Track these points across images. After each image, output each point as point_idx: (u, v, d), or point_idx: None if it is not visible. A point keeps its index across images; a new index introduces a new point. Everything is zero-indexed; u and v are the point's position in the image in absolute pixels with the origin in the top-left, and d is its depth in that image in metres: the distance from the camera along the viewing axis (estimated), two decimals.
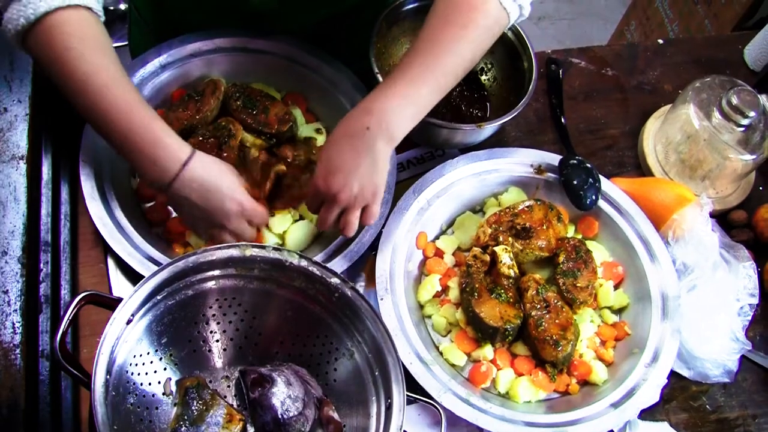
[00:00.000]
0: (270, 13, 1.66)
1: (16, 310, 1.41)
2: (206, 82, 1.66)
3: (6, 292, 1.42)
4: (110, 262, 1.53)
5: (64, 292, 1.46)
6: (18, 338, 1.39)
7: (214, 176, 1.43)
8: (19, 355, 1.37)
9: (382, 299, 1.51)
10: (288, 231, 1.60)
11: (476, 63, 1.49)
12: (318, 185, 1.41)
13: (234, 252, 1.33)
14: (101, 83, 1.36)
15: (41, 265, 1.46)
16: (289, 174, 1.58)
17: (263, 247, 1.35)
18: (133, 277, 1.49)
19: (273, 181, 1.56)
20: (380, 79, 1.62)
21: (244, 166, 1.57)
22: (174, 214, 1.59)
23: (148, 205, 1.61)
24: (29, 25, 1.34)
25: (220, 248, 1.32)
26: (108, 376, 1.18)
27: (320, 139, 1.71)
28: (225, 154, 1.57)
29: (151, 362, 1.33)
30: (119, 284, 1.52)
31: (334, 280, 1.35)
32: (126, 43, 2.07)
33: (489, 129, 1.67)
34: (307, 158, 1.61)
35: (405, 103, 1.39)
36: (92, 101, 1.36)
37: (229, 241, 1.46)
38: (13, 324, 1.40)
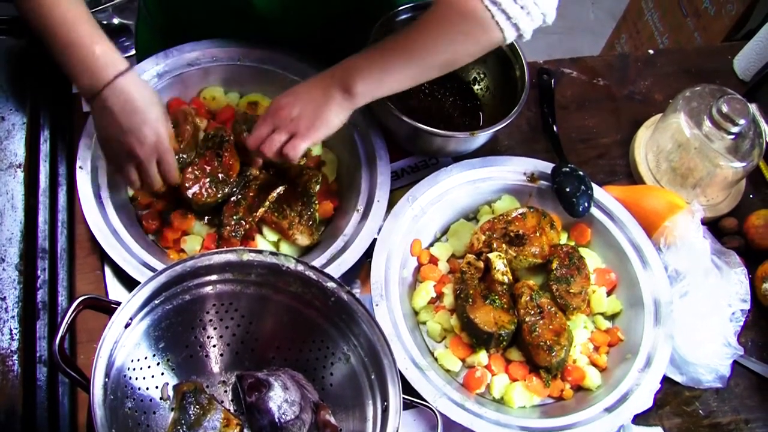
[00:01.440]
0: (273, 19, 1.68)
1: (13, 317, 1.42)
2: (178, 111, 1.65)
3: (3, 299, 1.43)
4: (107, 269, 1.54)
5: (62, 298, 1.47)
6: (15, 344, 1.39)
7: (144, 97, 1.44)
8: (16, 362, 1.38)
9: (377, 305, 1.52)
10: (281, 239, 1.62)
11: (456, 66, 1.52)
12: (273, 102, 1.52)
13: (231, 256, 1.33)
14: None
15: (39, 272, 1.47)
16: (284, 196, 1.60)
17: (260, 252, 1.35)
18: (130, 284, 1.49)
19: (267, 207, 1.58)
20: None
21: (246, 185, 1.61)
22: (169, 222, 1.60)
23: (144, 212, 1.62)
24: None
25: (217, 253, 1.33)
26: (106, 379, 1.18)
27: (315, 149, 1.73)
28: (227, 154, 1.60)
29: (149, 366, 1.34)
30: (116, 291, 1.52)
31: (330, 284, 1.36)
32: (124, 56, 2.08)
33: (482, 137, 1.69)
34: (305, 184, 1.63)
35: (372, 64, 1.48)
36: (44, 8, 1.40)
37: (133, 179, 1.49)
38: (11, 330, 1.40)
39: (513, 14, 1.41)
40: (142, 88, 1.45)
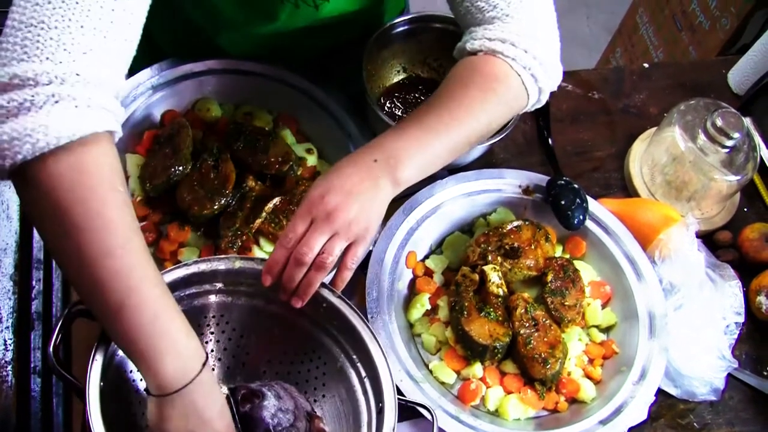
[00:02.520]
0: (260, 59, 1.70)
1: (8, 327, 1.42)
2: (174, 123, 1.65)
3: None
4: None
5: (56, 309, 1.47)
6: (10, 355, 1.39)
7: (212, 406, 1.16)
8: (10, 372, 1.38)
9: (372, 318, 1.52)
10: None
11: (489, 136, 1.45)
12: (312, 199, 1.25)
13: (222, 265, 1.33)
14: (127, 265, 1.08)
15: (33, 282, 1.47)
16: (281, 207, 1.60)
17: (251, 260, 1.35)
18: None
19: (264, 218, 1.58)
20: (371, 101, 1.65)
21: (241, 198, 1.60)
22: (165, 234, 1.60)
23: (140, 224, 1.61)
24: (36, 157, 1.04)
25: (208, 260, 1.32)
26: (102, 383, 1.18)
27: (310, 160, 1.73)
28: (223, 165, 1.60)
29: (141, 379, 1.33)
30: None
31: (321, 290, 1.36)
32: None
33: (478, 149, 1.69)
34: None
35: (416, 147, 1.30)
36: (109, 287, 1.08)
37: None
38: (5, 341, 1.40)
39: (540, 78, 1.40)
40: (215, 392, 1.17)
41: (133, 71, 1.67)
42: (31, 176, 1.04)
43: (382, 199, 1.28)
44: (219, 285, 1.36)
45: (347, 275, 1.30)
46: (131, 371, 1.29)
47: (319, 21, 1.61)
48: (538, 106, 1.50)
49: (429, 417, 1.35)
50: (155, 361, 1.09)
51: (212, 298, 1.37)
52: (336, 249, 1.25)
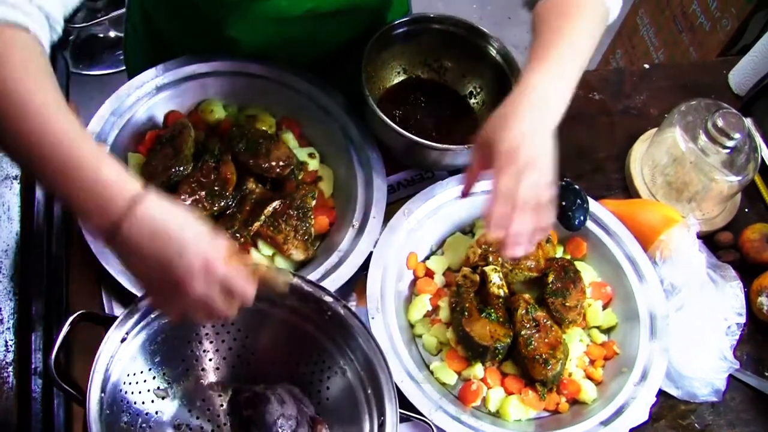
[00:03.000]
0: (262, 56, 1.70)
1: (9, 329, 1.41)
2: (177, 123, 1.65)
3: None
4: (103, 282, 1.53)
5: (57, 311, 1.46)
6: (10, 356, 1.39)
7: (173, 219, 1.11)
8: (11, 374, 1.38)
9: (373, 319, 1.52)
10: (276, 253, 1.62)
11: (592, 55, 1.48)
12: (510, 153, 1.28)
13: None
14: (38, 104, 1.11)
15: (34, 283, 1.47)
16: (280, 211, 1.61)
17: (256, 266, 1.35)
18: (126, 296, 1.49)
19: (263, 221, 1.59)
20: (371, 102, 1.64)
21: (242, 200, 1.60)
22: None
23: None
24: None
25: None
26: (102, 394, 1.19)
27: (312, 164, 1.73)
28: (224, 167, 1.60)
29: (145, 381, 1.34)
30: (112, 303, 1.52)
31: (327, 298, 1.36)
32: (119, 69, 2.08)
33: None
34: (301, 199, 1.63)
35: (562, 86, 1.37)
36: (23, 128, 1.10)
37: (199, 318, 1.16)
38: (6, 342, 1.40)
39: None
40: (166, 210, 1.11)
41: (138, 71, 1.68)
42: None
43: (551, 136, 1.32)
44: None
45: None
46: (128, 382, 1.29)
47: (321, 7, 1.62)
48: (611, 20, 1.54)
49: (429, 428, 1.38)
50: (93, 191, 1.09)
51: None
52: (532, 181, 1.28)
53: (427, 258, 1.70)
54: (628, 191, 1.90)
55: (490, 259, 1.61)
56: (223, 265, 1.12)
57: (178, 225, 1.11)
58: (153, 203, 1.10)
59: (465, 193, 1.44)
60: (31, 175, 1.19)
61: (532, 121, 1.30)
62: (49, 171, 1.10)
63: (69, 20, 1.29)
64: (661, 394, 1.60)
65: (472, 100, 1.87)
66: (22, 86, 1.10)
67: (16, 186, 1.55)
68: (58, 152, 1.09)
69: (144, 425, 1.31)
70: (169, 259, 1.09)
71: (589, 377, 1.60)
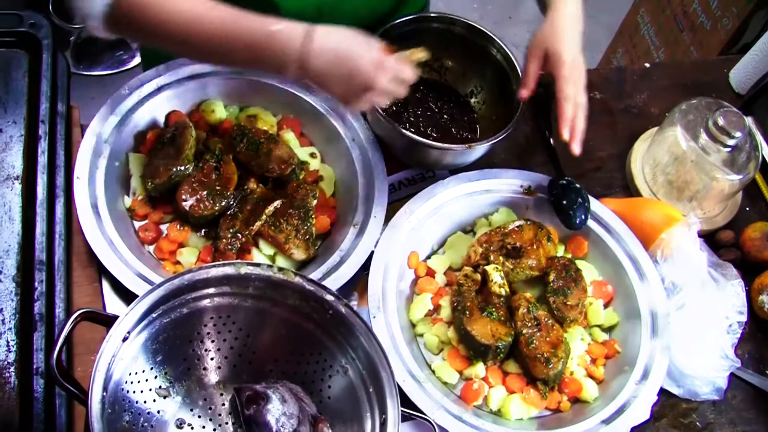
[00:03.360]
0: None
1: (10, 329, 1.42)
2: (178, 123, 1.66)
3: (0, 311, 1.43)
4: (104, 281, 1.54)
5: (59, 310, 1.46)
6: (12, 356, 1.40)
7: (344, 41, 1.42)
8: (13, 373, 1.38)
9: (374, 318, 1.52)
10: (278, 253, 1.62)
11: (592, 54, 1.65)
12: (550, 46, 1.61)
13: (229, 270, 1.34)
14: (196, 14, 1.40)
15: (36, 283, 1.46)
16: (281, 211, 1.61)
17: (258, 265, 1.35)
18: (127, 295, 1.49)
19: (264, 221, 1.58)
20: None
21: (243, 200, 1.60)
22: (165, 234, 1.61)
23: (141, 224, 1.62)
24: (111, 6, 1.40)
25: (215, 266, 1.33)
26: (104, 393, 1.18)
27: (313, 164, 1.73)
28: (225, 167, 1.60)
29: (147, 380, 1.33)
30: (113, 303, 1.53)
31: (329, 297, 1.36)
32: (120, 69, 2.08)
33: (479, 150, 1.69)
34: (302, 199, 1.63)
35: (579, 30, 1.65)
36: (202, 33, 1.40)
37: (383, 102, 1.49)
38: (8, 342, 1.40)
39: None
40: (333, 35, 1.41)
41: (153, 63, 1.68)
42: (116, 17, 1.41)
43: None
44: (225, 288, 1.36)
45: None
46: (130, 381, 1.30)
47: None
48: None
49: (430, 426, 1.37)
50: (273, 53, 1.40)
51: (218, 300, 1.37)
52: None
53: (429, 257, 1.70)
54: (629, 190, 1.90)
55: (492, 258, 1.61)
56: (386, 59, 1.43)
57: (349, 43, 1.42)
58: (322, 34, 1.39)
59: (529, 93, 1.67)
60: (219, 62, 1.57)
61: (575, 36, 1.63)
62: (239, 51, 1.42)
63: (70, 20, 1.30)
64: (663, 392, 1.60)
65: (473, 100, 1.88)
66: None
67: (17, 186, 1.55)
68: (234, 35, 1.40)
69: (146, 424, 1.31)
70: (355, 69, 1.41)
71: (590, 376, 1.60)
